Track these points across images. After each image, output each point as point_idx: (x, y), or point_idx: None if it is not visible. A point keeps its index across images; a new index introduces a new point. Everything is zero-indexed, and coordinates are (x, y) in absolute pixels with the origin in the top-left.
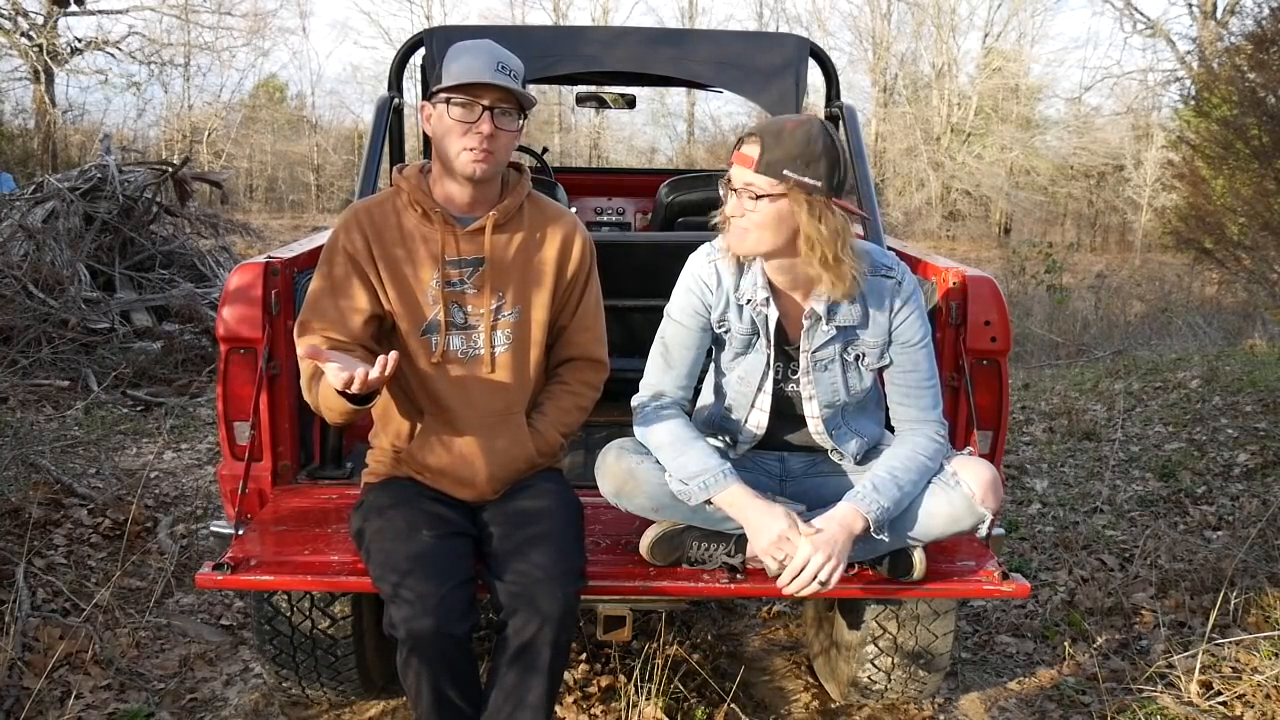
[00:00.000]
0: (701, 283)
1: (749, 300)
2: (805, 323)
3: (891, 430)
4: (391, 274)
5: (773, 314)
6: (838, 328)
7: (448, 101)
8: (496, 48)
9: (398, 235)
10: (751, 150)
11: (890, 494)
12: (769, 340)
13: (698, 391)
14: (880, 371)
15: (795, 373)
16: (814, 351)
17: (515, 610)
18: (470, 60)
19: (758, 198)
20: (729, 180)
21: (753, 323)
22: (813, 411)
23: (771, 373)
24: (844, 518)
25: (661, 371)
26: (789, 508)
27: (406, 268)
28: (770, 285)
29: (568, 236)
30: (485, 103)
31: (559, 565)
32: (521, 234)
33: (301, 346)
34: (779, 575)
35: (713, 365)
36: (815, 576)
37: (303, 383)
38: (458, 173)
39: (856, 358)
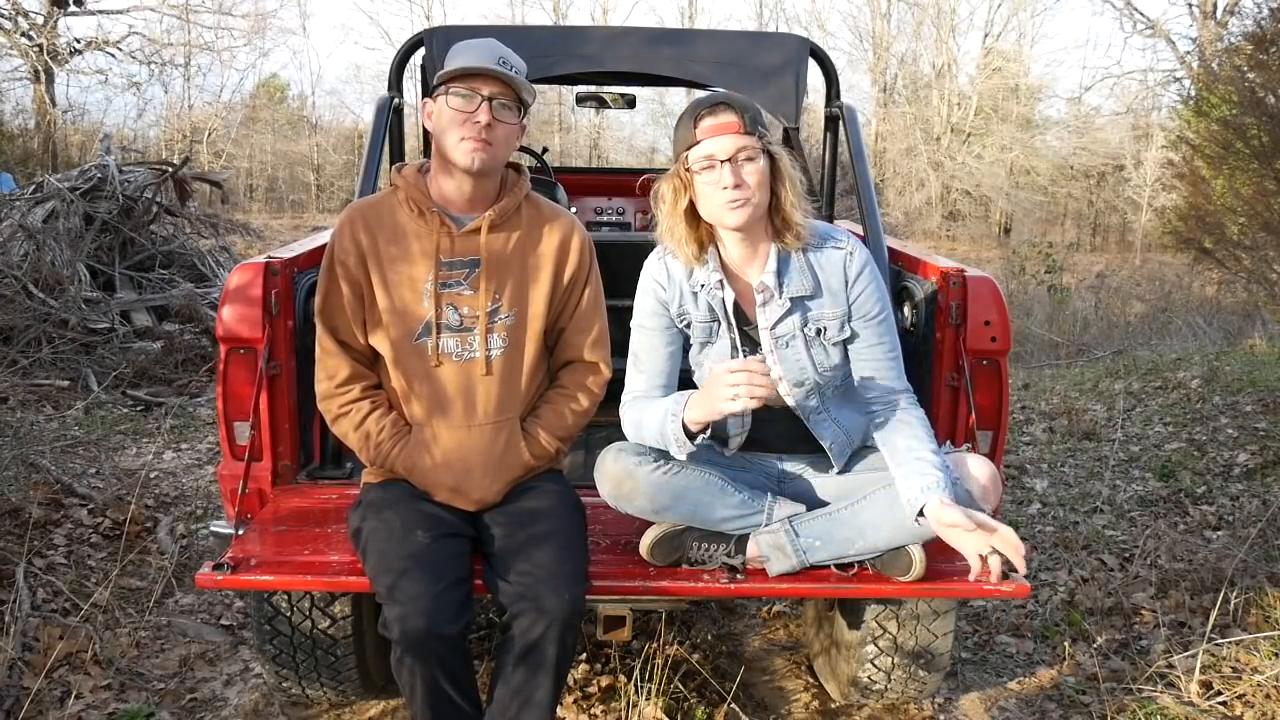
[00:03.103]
0: (654, 281)
1: (703, 285)
2: (759, 297)
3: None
4: (387, 273)
5: (729, 295)
6: (791, 299)
7: (447, 93)
8: (500, 45)
9: (393, 234)
10: (728, 116)
11: (940, 464)
12: (730, 323)
13: None
14: (845, 348)
15: (760, 355)
16: (772, 328)
17: (521, 610)
18: (472, 53)
19: (758, 155)
20: (706, 159)
21: (710, 308)
22: (784, 392)
23: (740, 355)
24: (954, 510)
25: (634, 378)
26: (787, 507)
27: (402, 266)
28: (723, 267)
29: (566, 236)
30: (484, 93)
31: (564, 566)
32: (519, 234)
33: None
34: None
35: (688, 369)
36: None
37: (349, 425)
38: (456, 164)
39: (818, 332)
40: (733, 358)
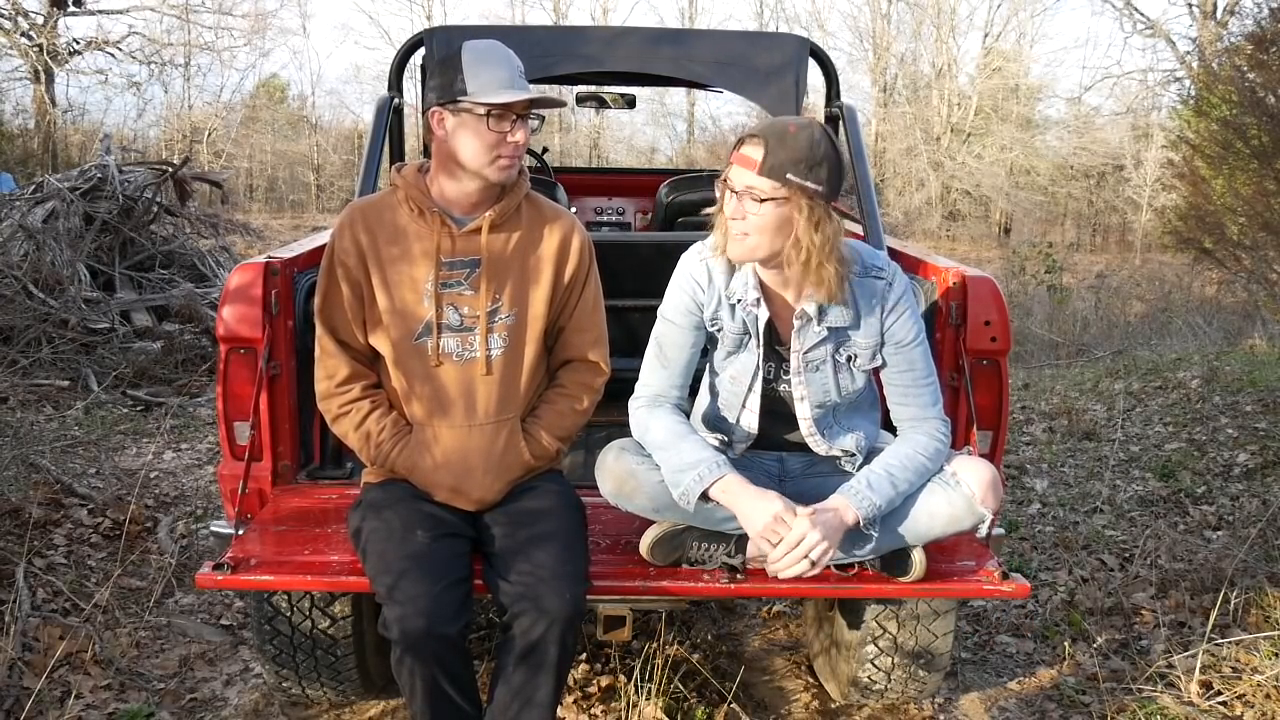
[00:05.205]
0: (693, 281)
1: (739, 300)
2: (796, 323)
3: (890, 430)
4: (387, 273)
5: (763, 314)
6: (829, 329)
7: (484, 115)
8: (510, 54)
9: (393, 234)
10: (754, 152)
11: (884, 491)
12: (759, 340)
13: (694, 391)
14: (875, 372)
15: (787, 373)
16: (805, 352)
17: (522, 610)
18: (496, 72)
19: (761, 201)
20: (727, 181)
21: (744, 322)
22: (804, 413)
23: (762, 373)
24: (837, 508)
25: (656, 372)
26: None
27: (402, 266)
28: (761, 285)
29: (566, 236)
30: (518, 111)
31: (565, 566)
32: (519, 234)
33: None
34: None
35: (707, 365)
36: (807, 554)
37: (349, 425)
38: (488, 179)
39: (848, 359)
40: (755, 373)
